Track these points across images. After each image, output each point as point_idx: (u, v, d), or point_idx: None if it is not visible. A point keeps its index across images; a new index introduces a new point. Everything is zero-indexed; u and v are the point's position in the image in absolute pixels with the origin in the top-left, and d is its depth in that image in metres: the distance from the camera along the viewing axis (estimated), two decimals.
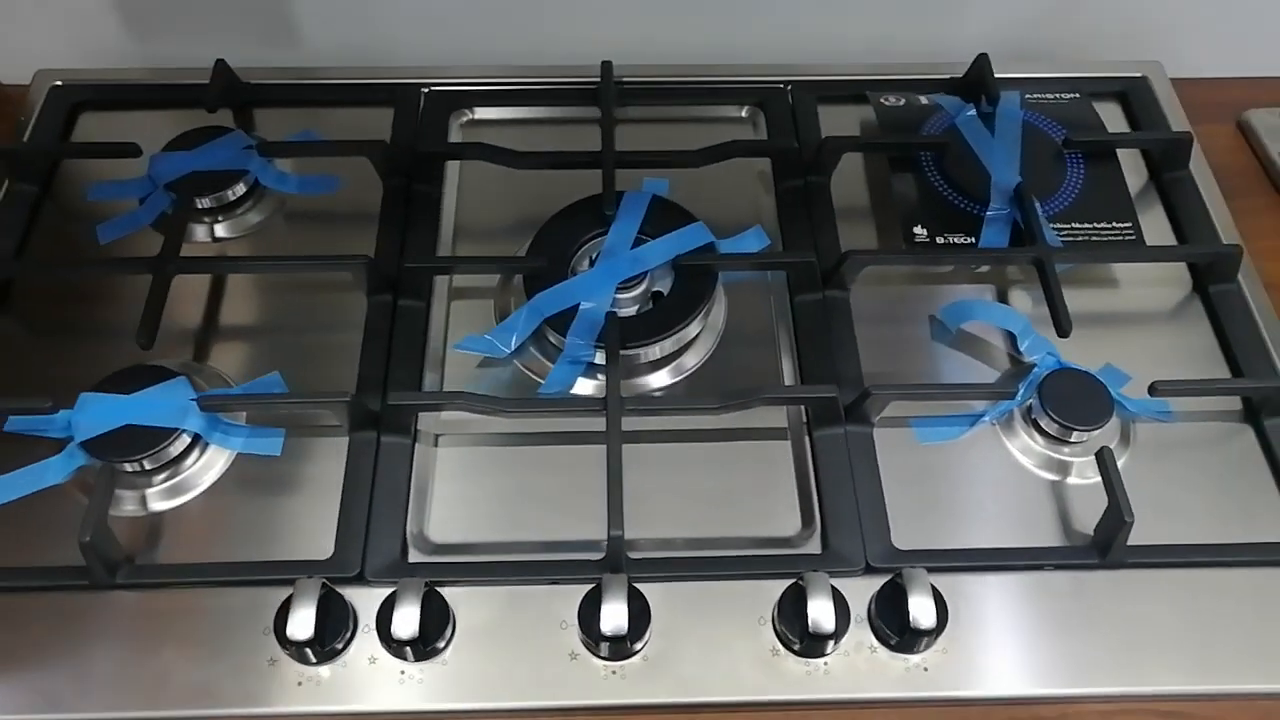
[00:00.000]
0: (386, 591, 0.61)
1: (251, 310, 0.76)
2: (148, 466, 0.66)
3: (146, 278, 0.72)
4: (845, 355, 0.73)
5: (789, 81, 0.89)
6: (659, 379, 0.73)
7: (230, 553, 0.65)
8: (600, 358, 0.71)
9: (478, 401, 0.67)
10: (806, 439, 0.70)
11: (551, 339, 0.73)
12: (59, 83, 0.86)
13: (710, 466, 0.69)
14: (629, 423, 0.67)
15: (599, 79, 0.86)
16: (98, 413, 0.66)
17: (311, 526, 0.66)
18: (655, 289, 0.75)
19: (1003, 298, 0.78)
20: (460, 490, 0.68)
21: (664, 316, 0.72)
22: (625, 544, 0.62)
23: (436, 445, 0.70)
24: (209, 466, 0.68)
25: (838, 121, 0.87)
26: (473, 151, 0.79)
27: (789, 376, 0.73)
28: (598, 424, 0.67)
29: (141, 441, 0.66)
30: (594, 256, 0.75)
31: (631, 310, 0.74)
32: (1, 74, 0.91)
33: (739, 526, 0.67)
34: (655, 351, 0.72)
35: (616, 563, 0.62)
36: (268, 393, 0.68)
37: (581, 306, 0.72)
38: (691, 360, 0.74)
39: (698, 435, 0.70)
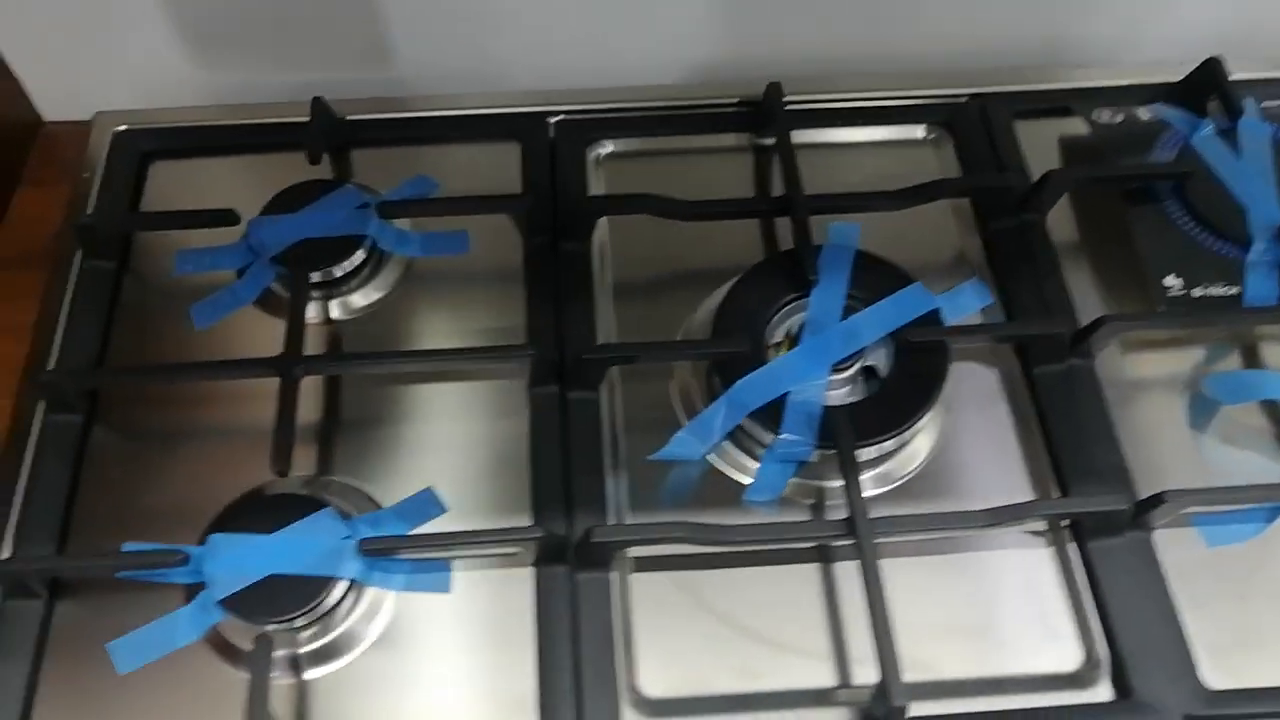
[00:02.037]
0: None
1: (379, 404, 0.64)
2: (299, 624, 0.55)
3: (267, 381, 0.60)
4: (1103, 442, 0.61)
5: (975, 95, 0.76)
6: (879, 478, 0.62)
7: None
8: (817, 456, 0.60)
9: (702, 532, 0.55)
10: (1072, 547, 0.59)
11: (747, 427, 0.62)
12: (123, 126, 0.73)
13: (960, 585, 0.59)
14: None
15: (760, 100, 0.73)
16: (235, 560, 0.54)
17: (504, 686, 0.55)
18: (867, 364, 0.63)
19: (1254, 355, 0.67)
20: (665, 628, 0.57)
21: (894, 405, 0.60)
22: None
23: (630, 574, 0.59)
24: (369, 615, 0.56)
25: (1036, 140, 0.75)
26: (636, 204, 0.66)
27: (1031, 468, 0.62)
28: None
29: (291, 596, 0.54)
30: (793, 330, 0.63)
31: (843, 395, 0.62)
32: (51, 109, 0.78)
33: (1011, 662, 0.56)
34: (887, 445, 0.60)
35: None
36: (441, 532, 0.56)
37: (790, 396, 0.60)
38: (916, 456, 0.63)
39: (939, 546, 0.60)
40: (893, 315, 0.63)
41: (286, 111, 0.73)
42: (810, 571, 0.59)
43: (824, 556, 0.59)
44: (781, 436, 0.59)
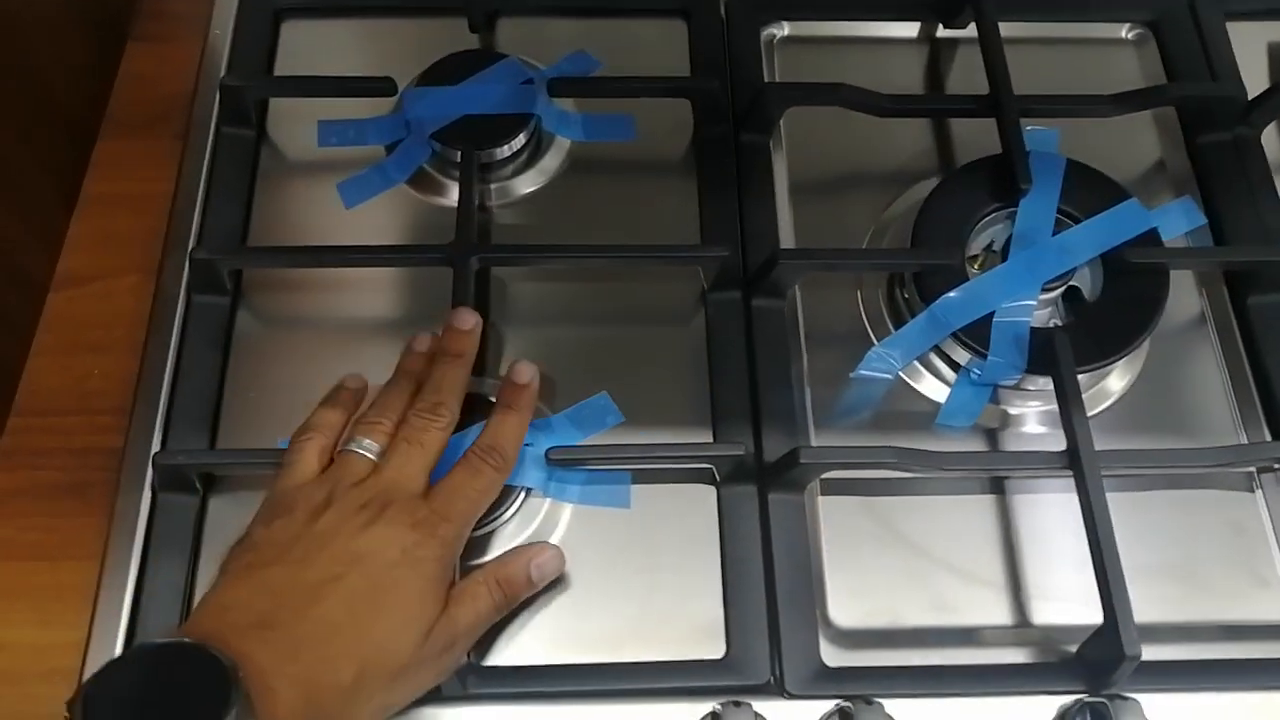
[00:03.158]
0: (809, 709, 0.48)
1: (536, 300, 0.59)
2: (476, 534, 0.51)
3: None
4: None
5: None
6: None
7: (591, 646, 0.50)
8: (1028, 383, 0.56)
9: (915, 459, 0.51)
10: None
11: (939, 345, 0.57)
12: None
13: (1162, 524, 0.55)
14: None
15: None
16: None
17: (687, 610, 0.52)
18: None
19: None
20: (854, 555, 0.53)
21: (1107, 330, 0.56)
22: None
23: (819, 497, 0.55)
24: (545, 530, 0.53)
25: (1240, 44, 0.68)
26: (828, 95, 0.60)
27: (1237, 403, 0.58)
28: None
29: None
30: (996, 243, 0.58)
31: (1044, 316, 0.58)
32: None
33: (1215, 608, 0.53)
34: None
35: (1111, 671, 0.48)
36: (633, 444, 0.52)
37: (998, 315, 0.56)
38: (1116, 383, 0.59)
39: (1138, 482, 0.56)
40: (1108, 233, 0.57)
41: None
42: (990, 502, 0.55)
43: (1001, 488, 0.56)
44: (991, 360, 0.55)
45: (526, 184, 0.62)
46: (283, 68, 0.65)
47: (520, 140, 0.60)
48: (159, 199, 0.61)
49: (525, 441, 0.51)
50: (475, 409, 0.52)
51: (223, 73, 0.63)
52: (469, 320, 0.52)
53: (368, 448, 0.48)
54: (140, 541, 0.51)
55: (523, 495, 0.52)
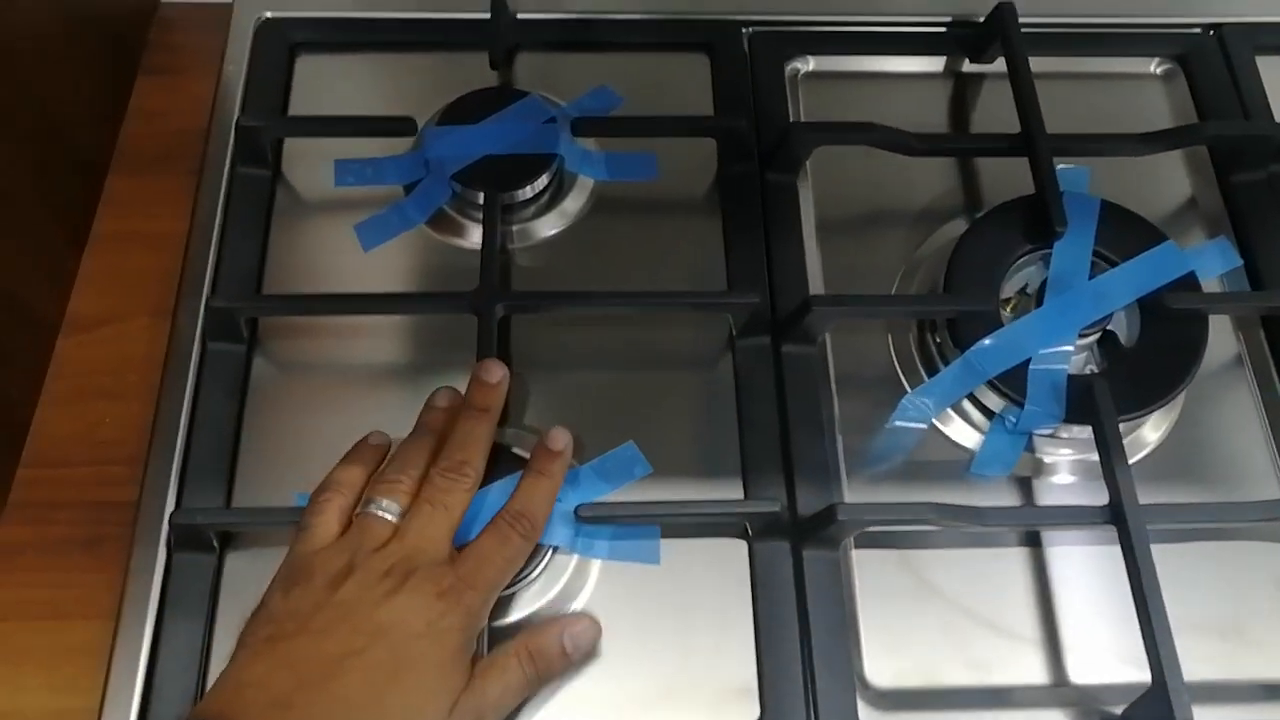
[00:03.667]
0: None
1: (557, 345, 0.58)
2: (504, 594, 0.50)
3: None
4: None
5: (1213, 24, 0.68)
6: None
7: (619, 710, 0.49)
8: (1062, 430, 0.54)
9: (955, 514, 0.50)
10: None
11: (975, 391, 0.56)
12: (268, 14, 0.65)
13: (1204, 578, 0.54)
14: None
15: (971, 20, 0.65)
16: None
17: (719, 671, 0.50)
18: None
19: None
20: (890, 612, 0.52)
21: (1145, 377, 0.54)
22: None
23: (853, 550, 0.53)
24: (572, 589, 0.51)
25: (1271, 79, 0.67)
26: (858, 134, 0.59)
27: (1274, 450, 0.57)
28: None
29: None
30: (1031, 287, 0.57)
31: (1079, 362, 0.56)
32: None
33: (1267, 666, 0.52)
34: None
35: None
36: (665, 501, 0.50)
37: (1034, 362, 0.54)
38: (1153, 432, 0.57)
39: (1180, 534, 0.54)
40: (1145, 276, 0.56)
41: (447, 5, 0.65)
42: (1023, 555, 0.54)
43: (1033, 540, 0.55)
44: (1029, 409, 0.53)
45: (549, 226, 0.60)
46: (298, 104, 0.63)
47: (543, 181, 0.59)
48: (172, 238, 0.60)
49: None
50: (499, 462, 0.51)
51: (237, 109, 0.62)
52: (496, 373, 0.51)
53: (388, 509, 0.47)
54: (155, 601, 0.49)
55: (549, 553, 0.50)
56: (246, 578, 0.51)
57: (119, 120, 0.66)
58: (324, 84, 0.64)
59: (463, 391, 0.52)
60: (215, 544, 0.51)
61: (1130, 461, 0.55)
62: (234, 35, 0.64)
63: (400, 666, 0.42)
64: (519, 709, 0.48)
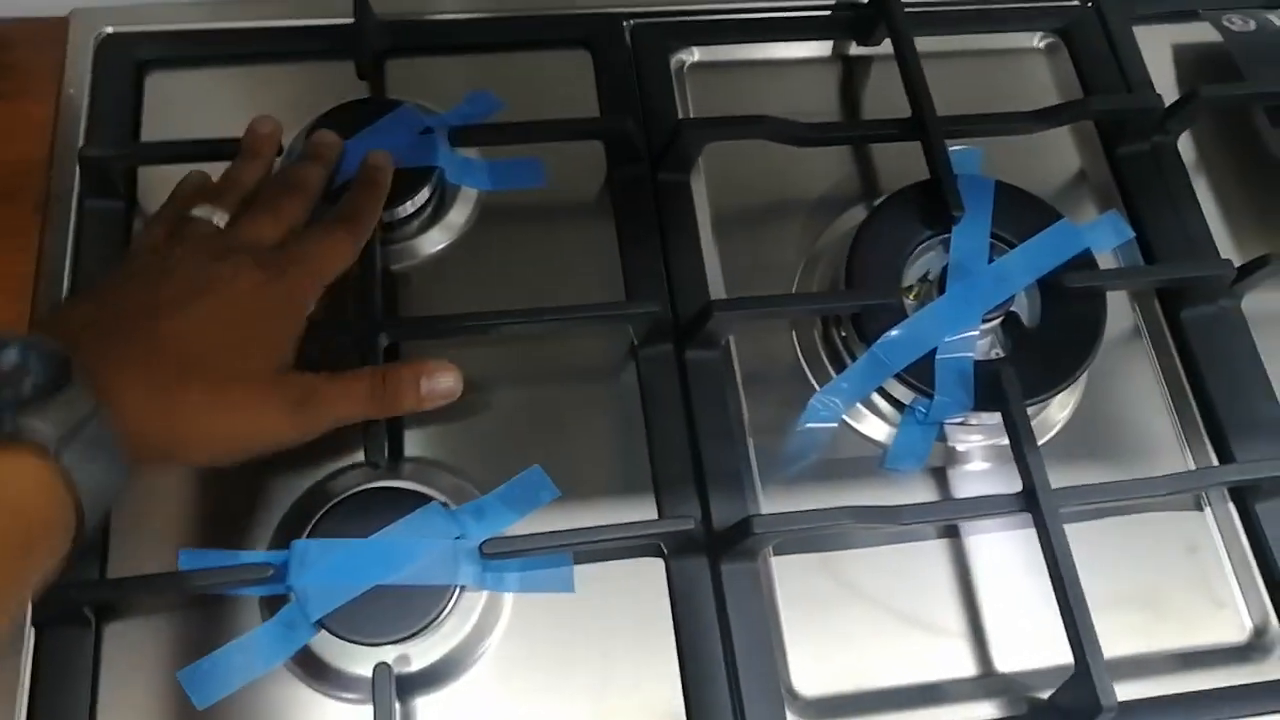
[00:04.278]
0: None
1: (457, 365, 0.53)
2: (411, 643, 0.47)
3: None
4: (1260, 393, 0.56)
5: None
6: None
7: None
8: (972, 417, 0.54)
9: (872, 515, 0.48)
10: (1231, 508, 0.55)
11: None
12: (109, 29, 0.60)
13: (1115, 553, 0.54)
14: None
15: (864, 2, 0.64)
16: (330, 571, 0.46)
17: (644, 697, 0.48)
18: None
19: None
20: (813, 617, 0.51)
21: (1049, 358, 0.54)
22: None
23: (772, 558, 0.52)
24: (484, 625, 0.49)
25: (1146, 48, 0.68)
26: (749, 128, 0.57)
27: (1180, 422, 0.57)
28: None
29: (401, 611, 0.46)
30: (931, 274, 0.56)
31: (984, 347, 0.56)
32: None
33: (1182, 635, 0.52)
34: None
35: None
36: (575, 529, 0.47)
37: (940, 351, 0.54)
38: (1059, 411, 0.57)
39: (1091, 511, 0.54)
40: (1043, 256, 0.56)
41: (302, 11, 0.61)
42: (940, 546, 0.53)
43: (951, 531, 0.54)
44: (938, 399, 0.52)
45: (433, 242, 0.57)
46: (150, 126, 0.58)
47: (423, 196, 0.55)
48: (20, 279, 0.54)
49: (456, 534, 0.48)
50: (398, 501, 0.48)
51: (81, 136, 0.57)
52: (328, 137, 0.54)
53: (213, 214, 0.47)
54: (26, 687, 0.45)
55: (457, 592, 0.48)
56: (129, 648, 0.47)
57: None
58: (178, 103, 0.59)
59: None
60: (91, 616, 0.46)
61: (1040, 442, 0.55)
62: (73, 54, 0.59)
63: (225, 313, 0.43)
64: None
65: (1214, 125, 0.66)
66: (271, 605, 0.47)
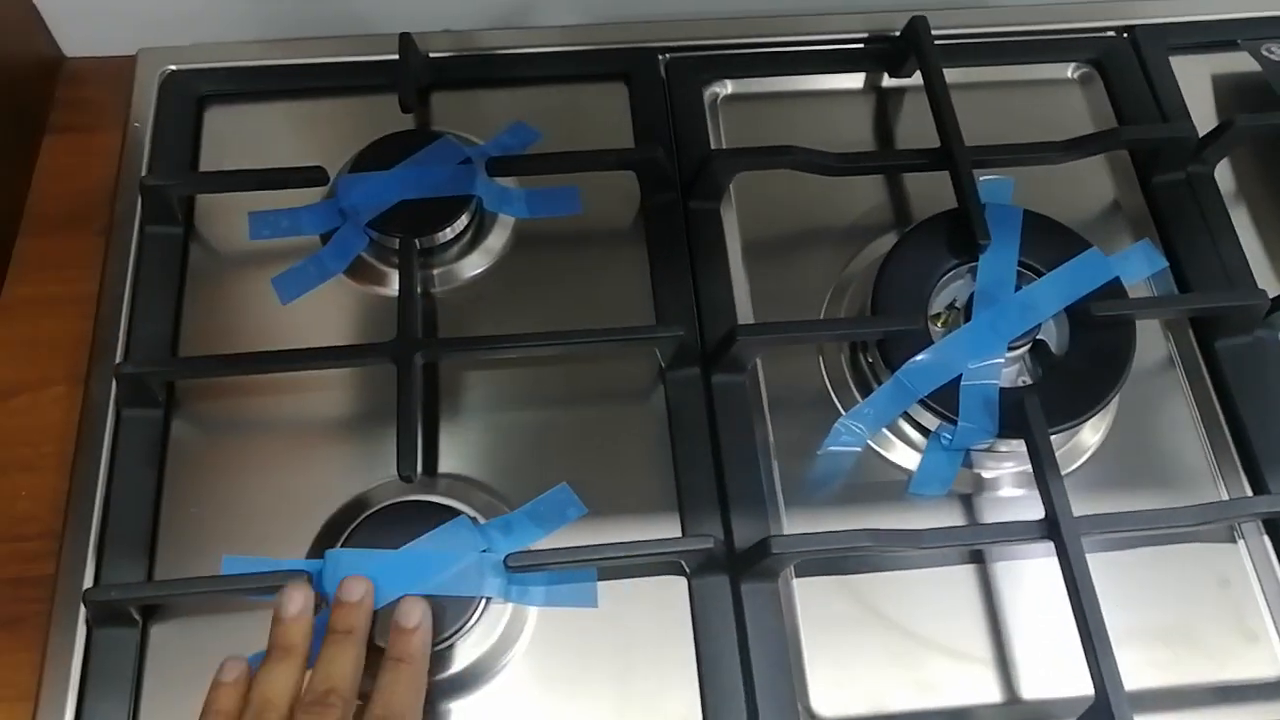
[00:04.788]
0: None
1: (485, 387, 0.57)
2: (438, 650, 0.48)
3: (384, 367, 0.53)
4: None
5: (1126, 26, 0.68)
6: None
7: None
8: (1000, 444, 0.54)
9: (891, 539, 0.49)
10: (1266, 541, 0.54)
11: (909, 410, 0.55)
12: (173, 66, 0.63)
13: (1145, 584, 0.53)
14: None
15: (888, 35, 0.65)
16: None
17: (664, 711, 0.49)
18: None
19: None
20: (833, 639, 0.52)
21: (1077, 386, 0.54)
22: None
23: (794, 579, 0.53)
24: (509, 637, 0.50)
25: (1185, 78, 0.68)
26: (779, 158, 0.58)
27: (1213, 452, 0.56)
28: None
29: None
30: (958, 302, 0.57)
31: (1011, 374, 0.56)
32: (73, 43, 0.68)
33: (1212, 669, 0.52)
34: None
35: None
36: (598, 544, 0.49)
37: (965, 378, 0.54)
38: (1090, 438, 0.57)
39: (1122, 541, 0.54)
40: (1071, 285, 0.56)
41: (354, 49, 0.65)
42: (968, 572, 0.54)
43: (979, 556, 0.54)
44: (961, 425, 0.53)
45: (471, 267, 0.59)
46: (208, 157, 0.62)
47: (462, 223, 0.58)
48: (85, 302, 0.58)
49: (483, 548, 0.49)
50: (423, 516, 0.50)
51: (144, 166, 0.60)
52: (357, 591, 0.46)
53: None
54: (76, 679, 0.48)
55: (483, 604, 0.49)
56: (173, 647, 0.50)
57: (26, 182, 0.64)
58: (234, 135, 0.63)
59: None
60: (137, 617, 0.49)
61: (1070, 468, 0.56)
62: (139, 90, 0.63)
63: None
64: None
65: (1255, 155, 0.66)
66: None
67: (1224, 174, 0.65)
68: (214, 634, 0.50)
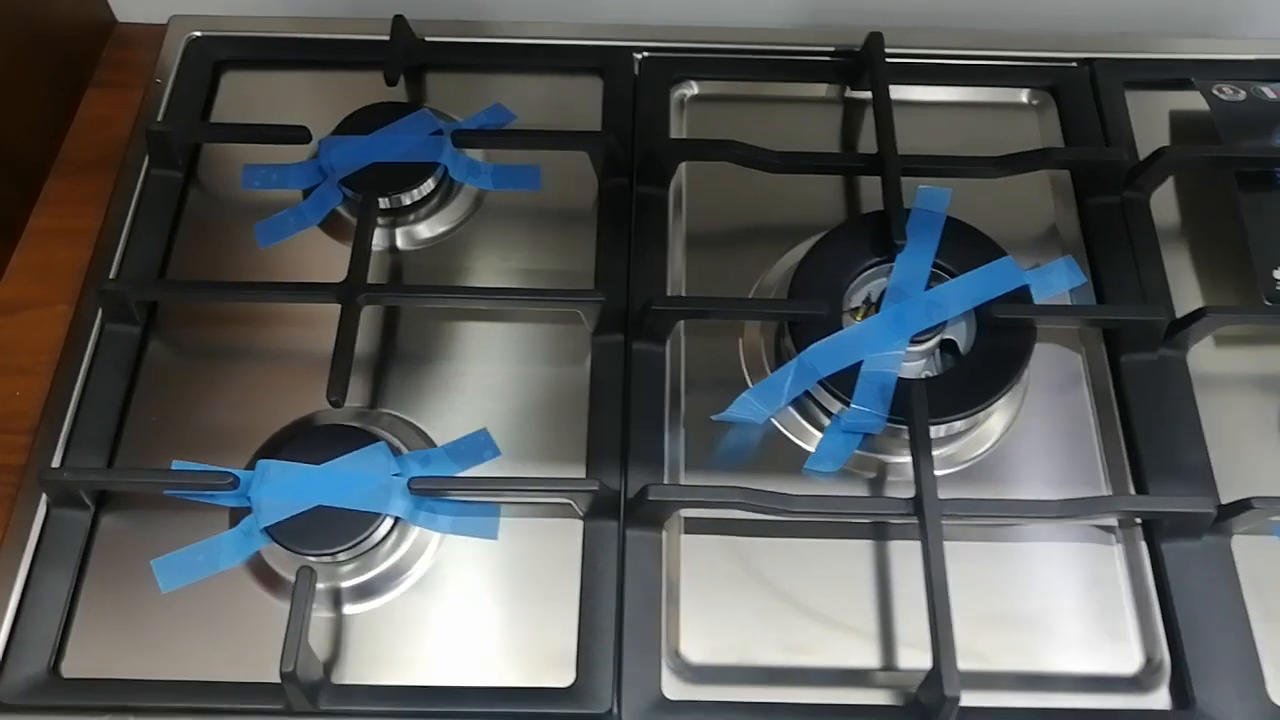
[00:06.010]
0: None
1: (437, 339, 0.62)
2: (342, 559, 0.54)
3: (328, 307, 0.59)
4: (1188, 439, 0.58)
5: (1086, 59, 0.71)
6: (947, 459, 0.59)
7: (446, 669, 0.53)
8: (891, 430, 0.57)
9: (760, 499, 0.53)
10: (1143, 546, 0.56)
11: (814, 394, 0.59)
12: (198, 32, 0.71)
13: (1020, 575, 0.56)
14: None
15: (856, 50, 0.69)
16: (283, 489, 0.53)
17: (543, 639, 0.54)
18: (945, 337, 0.60)
19: None
20: (712, 593, 0.55)
21: (971, 383, 0.57)
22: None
23: (681, 535, 0.57)
24: (412, 556, 0.55)
25: (1145, 113, 0.70)
26: (719, 151, 0.63)
27: (1106, 459, 0.59)
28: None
29: (336, 529, 0.53)
30: (873, 296, 0.60)
31: (918, 368, 0.59)
32: (125, 9, 0.76)
33: (1065, 659, 0.54)
34: (957, 425, 0.58)
35: (936, 714, 0.50)
36: (494, 477, 0.54)
37: (865, 365, 0.58)
38: (992, 434, 0.60)
39: (1002, 533, 0.57)
40: (980, 288, 0.59)
41: (364, 28, 0.71)
42: (864, 548, 0.57)
43: (880, 534, 0.57)
44: (851, 407, 0.56)
45: (434, 228, 0.65)
46: (218, 114, 0.69)
47: (428, 187, 0.64)
48: (87, 234, 0.65)
49: (395, 471, 0.54)
50: (343, 441, 0.55)
51: (160, 117, 0.68)
52: None
53: None
54: (30, 553, 0.54)
55: (392, 524, 0.54)
56: (120, 535, 0.56)
57: (64, 129, 0.72)
58: (245, 98, 0.70)
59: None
60: (89, 502, 0.55)
61: (969, 458, 0.59)
62: (166, 50, 0.71)
63: None
64: (346, 656, 0.52)
65: (1199, 189, 0.68)
66: (237, 517, 0.55)
67: (1169, 205, 0.68)
68: (158, 529, 0.56)
